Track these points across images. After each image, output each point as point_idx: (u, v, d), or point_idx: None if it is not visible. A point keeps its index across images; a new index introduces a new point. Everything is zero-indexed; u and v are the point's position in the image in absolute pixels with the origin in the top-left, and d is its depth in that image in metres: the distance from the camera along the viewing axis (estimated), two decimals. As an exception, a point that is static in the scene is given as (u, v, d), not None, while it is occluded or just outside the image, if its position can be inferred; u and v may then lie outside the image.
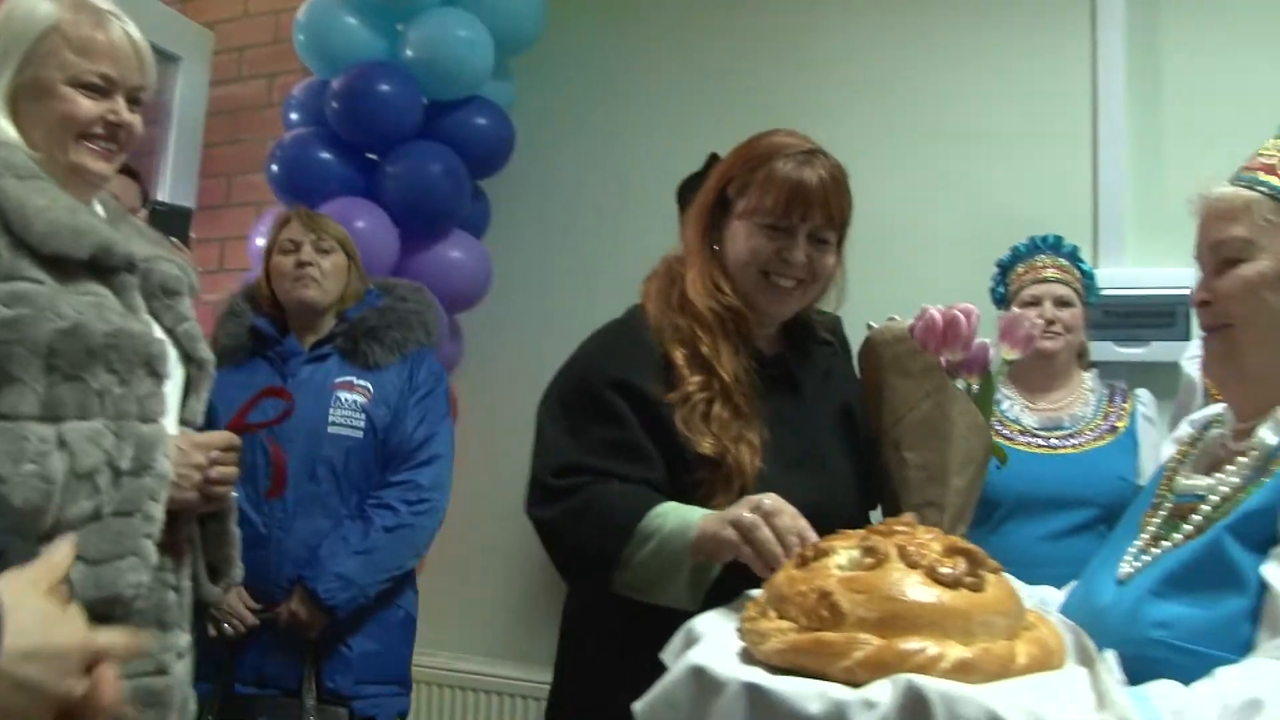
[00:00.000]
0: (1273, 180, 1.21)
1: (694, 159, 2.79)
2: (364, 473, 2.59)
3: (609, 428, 1.63)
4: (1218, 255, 1.24)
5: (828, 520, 1.57)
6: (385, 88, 3.14)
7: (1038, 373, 2.67)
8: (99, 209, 1.61)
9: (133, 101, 1.58)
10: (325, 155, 3.26)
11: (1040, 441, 2.57)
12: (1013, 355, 1.80)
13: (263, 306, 2.69)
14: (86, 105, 1.50)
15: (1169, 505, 1.25)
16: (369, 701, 2.57)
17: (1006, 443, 2.54)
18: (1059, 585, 1.49)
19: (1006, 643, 0.99)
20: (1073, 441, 2.57)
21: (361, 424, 2.58)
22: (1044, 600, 1.39)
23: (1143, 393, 2.71)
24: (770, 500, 1.40)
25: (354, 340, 2.63)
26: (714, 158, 2.51)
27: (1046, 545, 2.43)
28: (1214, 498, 1.16)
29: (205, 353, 1.69)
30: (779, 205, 1.68)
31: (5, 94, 1.49)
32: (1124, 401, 2.67)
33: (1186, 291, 2.85)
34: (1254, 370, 1.21)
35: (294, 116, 3.41)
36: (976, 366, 1.73)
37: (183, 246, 2.35)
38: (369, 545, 2.52)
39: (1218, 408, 1.35)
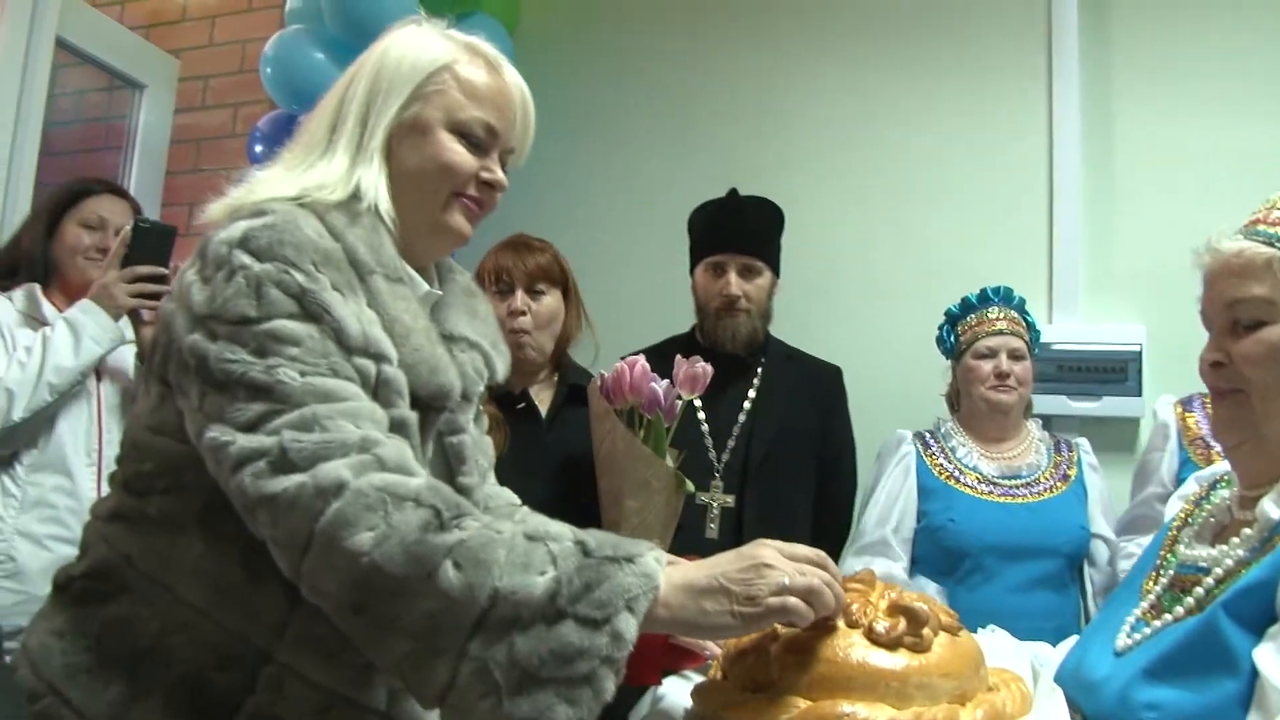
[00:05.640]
0: None
1: (670, 208, 2.82)
2: None
3: None
4: (1233, 314, 1.16)
5: None
6: (353, 128, 3.13)
7: (992, 425, 2.68)
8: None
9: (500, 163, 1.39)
10: (290, 190, 3.24)
11: (1001, 491, 2.57)
12: (690, 396, 2.13)
13: None
14: (466, 157, 1.31)
15: (1170, 573, 1.19)
16: None
17: (968, 491, 2.56)
18: (1026, 639, 1.48)
19: (950, 707, 0.96)
20: (1033, 490, 2.57)
21: None
22: (1037, 657, 1.34)
23: (1083, 441, 2.74)
24: None
25: None
26: (734, 192, 2.63)
27: (1015, 597, 2.43)
28: (1218, 571, 1.11)
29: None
30: None
31: (384, 137, 1.30)
32: (1069, 450, 2.69)
33: (1138, 347, 2.93)
34: (1273, 437, 1.13)
35: (259, 149, 3.40)
36: (652, 408, 2.07)
37: (165, 269, 2.31)
38: None
39: (1224, 465, 1.29)
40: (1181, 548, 1.20)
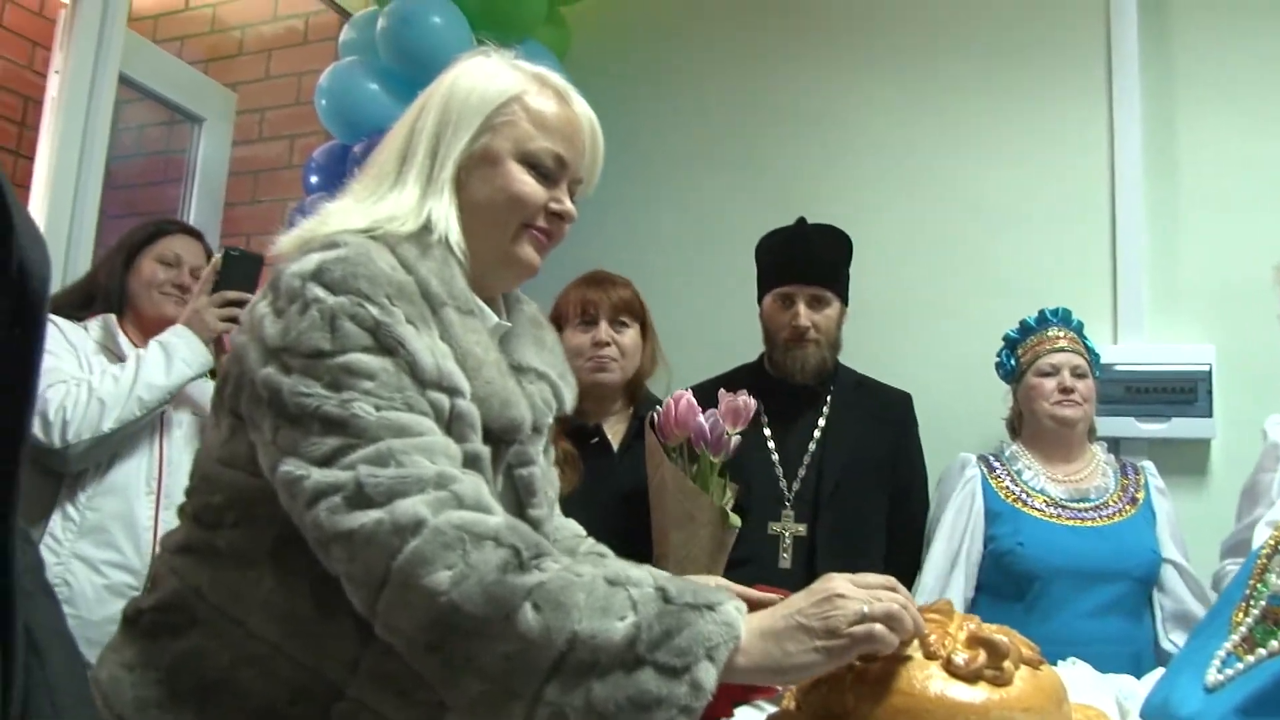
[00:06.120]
0: None
1: (729, 234, 2.81)
2: None
3: None
4: None
5: None
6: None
7: (1057, 442, 2.64)
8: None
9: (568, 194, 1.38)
10: (345, 220, 3.26)
11: (1070, 514, 2.52)
12: (735, 430, 2.12)
13: None
14: (535, 188, 1.30)
15: (1261, 605, 1.13)
16: None
17: (1036, 514, 2.52)
18: (1100, 665, 1.45)
19: (1032, 741, 0.94)
20: (1102, 514, 2.52)
21: None
22: (1121, 691, 1.31)
23: (1149, 464, 2.69)
24: None
25: None
26: (801, 221, 2.62)
27: (1087, 623, 2.38)
28: None
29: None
30: None
31: (454, 168, 1.29)
32: (1136, 474, 2.64)
33: (1207, 367, 2.87)
34: None
35: (314, 180, 3.43)
36: (699, 441, 2.08)
37: (254, 296, 2.36)
38: None
39: None
40: (1273, 577, 1.15)
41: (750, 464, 2.46)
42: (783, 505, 2.52)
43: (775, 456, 2.57)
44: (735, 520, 2.10)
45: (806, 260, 2.60)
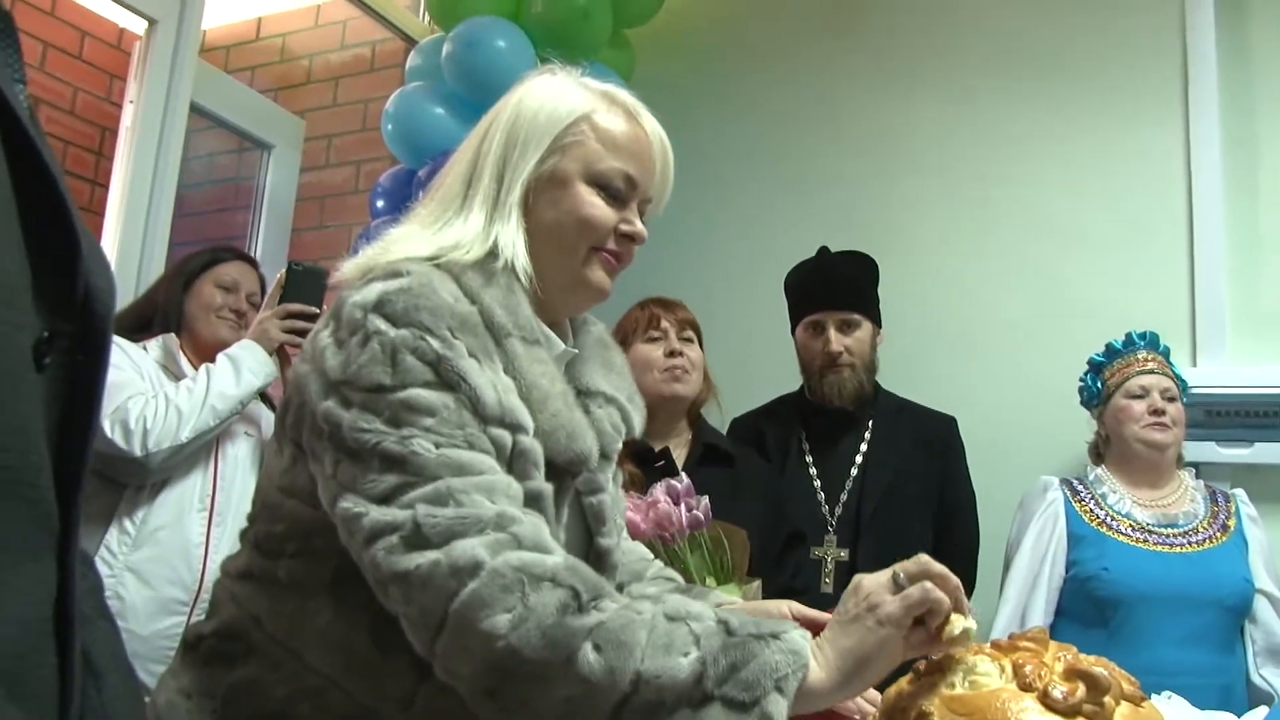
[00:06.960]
0: None
1: (793, 256, 2.77)
2: None
3: None
4: None
5: None
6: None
7: (1145, 467, 2.56)
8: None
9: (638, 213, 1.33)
10: (412, 244, 3.28)
11: (1157, 539, 2.43)
12: (675, 531, 1.84)
13: None
14: (605, 211, 1.26)
15: None
16: None
17: (1122, 539, 2.44)
18: (1188, 698, 1.39)
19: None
20: (1191, 540, 2.44)
21: None
22: None
23: (1240, 492, 2.61)
24: None
25: None
26: (824, 250, 2.63)
27: (1173, 652, 2.30)
28: None
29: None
30: None
31: (521, 191, 1.25)
32: (1227, 501, 2.55)
33: (1293, 390, 2.76)
34: None
35: (380, 204, 3.45)
36: (673, 537, 1.82)
37: (318, 309, 2.42)
38: None
39: None
40: None
41: (792, 490, 2.50)
42: (825, 530, 2.54)
43: (817, 483, 2.59)
44: (738, 590, 1.99)
45: (832, 286, 2.63)
